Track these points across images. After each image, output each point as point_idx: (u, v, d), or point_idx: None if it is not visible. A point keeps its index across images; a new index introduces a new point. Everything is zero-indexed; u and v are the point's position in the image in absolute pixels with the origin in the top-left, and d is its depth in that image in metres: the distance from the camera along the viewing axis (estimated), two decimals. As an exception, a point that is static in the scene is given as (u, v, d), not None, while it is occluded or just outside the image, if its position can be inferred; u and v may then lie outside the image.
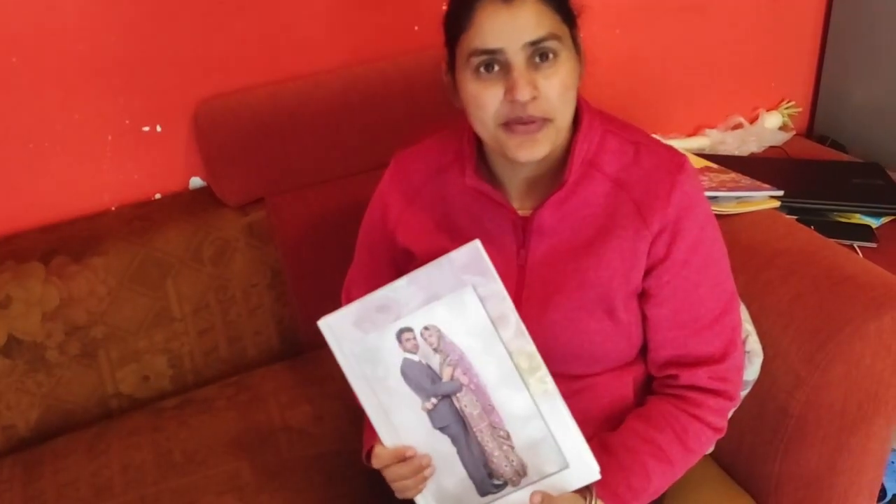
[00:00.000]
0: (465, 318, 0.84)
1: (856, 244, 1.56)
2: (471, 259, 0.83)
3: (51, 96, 1.34)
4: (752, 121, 2.02)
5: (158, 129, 1.43)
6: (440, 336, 0.84)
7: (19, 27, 1.27)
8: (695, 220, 0.94)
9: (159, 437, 1.27)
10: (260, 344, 1.44)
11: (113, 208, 1.45)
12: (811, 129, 2.14)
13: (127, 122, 1.40)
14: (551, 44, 0.85)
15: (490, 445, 0.88)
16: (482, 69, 0.86)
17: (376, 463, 0.90)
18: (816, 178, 1.76)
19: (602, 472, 0.89)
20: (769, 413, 1.13)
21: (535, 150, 0.88)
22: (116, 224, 1.38)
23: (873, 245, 1.56)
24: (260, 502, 1.15)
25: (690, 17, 1.84)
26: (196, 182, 1.50)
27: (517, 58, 0.84)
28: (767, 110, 2.04)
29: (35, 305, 1.29)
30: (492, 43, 0.84)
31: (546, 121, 0.87)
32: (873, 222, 1.62)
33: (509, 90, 0.84)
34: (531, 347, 0.85)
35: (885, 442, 1.15)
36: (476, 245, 0.83)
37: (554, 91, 0.86)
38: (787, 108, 2.05)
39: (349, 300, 1.03)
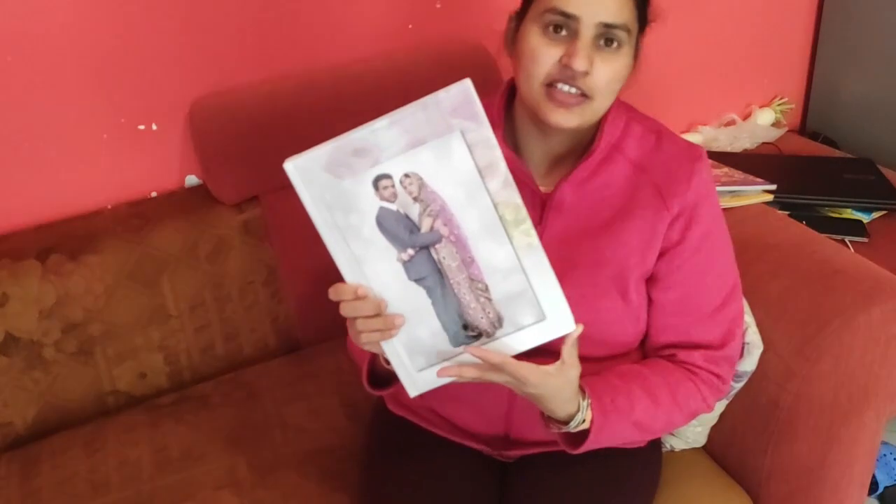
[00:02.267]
0: (450, 166, 0.77)
1: (847, 239, 1.57)
2: (461, 101, 0.74)
3: (46, 95, 1.34)
4: (745, 117, 2.03)
5: (154, 127, 1.44)
6: (421, 184, 0.78)
7: (13, 26, 1.28)
8: (709, 209, 0.98)
9: (156, 434, 1.28)
10: (256, 341, 1.45)
11: (109, 206, 1.45)
12: (803, 126, 2.16)
13: (122, 120, 1.41)
14: (621, 33, 0.88)
15: (467, 297, 0.84)
16: (551, 28, 0.89)
17: (333, 294, 0.83)
18: (808, 174, 1.78)
19: (591, 384, 0.92)
20: (760, 406, 1.14)
21: (568, 118, 0.91)
22: (112, 222, 1.39)
23: (864, 240, 1.57)
24: (256, 498, 1.15)
25: (683, 16, 1.85)
26: (191, 180, 1.51)
27: (588, 31, 0.87)
28: (760, 107, 2.05)
29: (32, 303, 1.29)
30: (572, 8, 0.87)
31: (586, 98, 0.90)
32: (864, 217, 1.64)
33: (568, 55, 0.87)
34: (518, 199, 0.80)
35: (876, 434, 1.16)
36: (466, 84, 0.74)
37: (605, 75, 0.89)
38: (779, 105, 2.07)
39: None
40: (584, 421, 0.91)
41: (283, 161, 1.50)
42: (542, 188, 0.99)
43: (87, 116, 1.38)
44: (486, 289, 0.84)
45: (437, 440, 1.09)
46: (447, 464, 1.07)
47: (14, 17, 1.27)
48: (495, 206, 0.80)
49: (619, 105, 0.99)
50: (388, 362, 0.88)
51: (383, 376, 0.98)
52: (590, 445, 0.93)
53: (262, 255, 1.43)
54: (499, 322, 0.86)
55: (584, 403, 0.91)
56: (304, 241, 1.44)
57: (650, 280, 1.00)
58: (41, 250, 1.32)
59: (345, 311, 0.83)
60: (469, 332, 0.86)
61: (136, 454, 1.24)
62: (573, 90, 0.89)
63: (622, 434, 0.97)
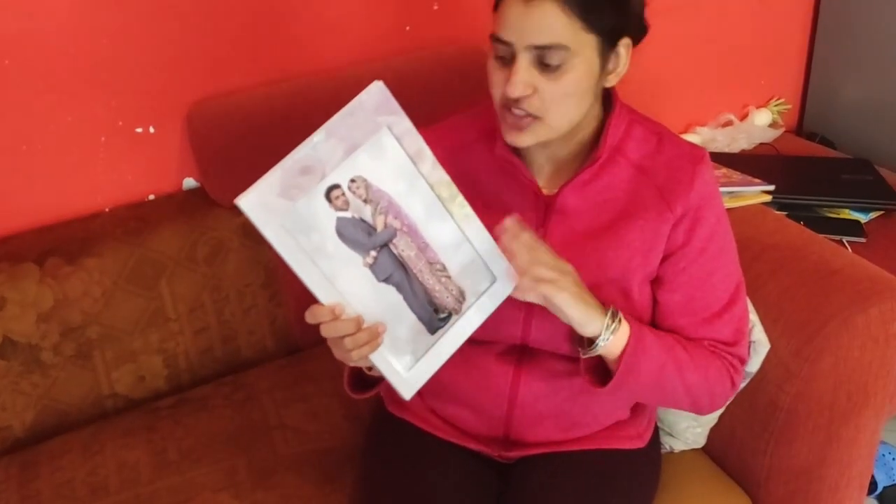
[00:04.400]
0: (386, 161, 0.83)
1: (845, 239, 1.57)
2: (380, 99, 0.81)
3: (43, 98, 1.34)
4: (743, 118, 2.04)
5: (152, 130, 1.44)
6: (367, 185, 0.82)
7: (11, 29, 1.28)
8: (713, 210, 0.98)
9: (154, 437, 1.28)
10: (254, 343, 1.45)
11: (107, 209, 1.45)
12: (801, 126, 2.16)
13: (120, 123, 1.41)
14: (555, 53, 0.87)
15: (430, 282, 0.88)
16: (498, 55, 0.90)
17: (310, 318, 0.84)
18: (806, 175, 1.78)
19: (634, 326, 0.93)
20: (759, 406, 1.14)
21: (520, 138, 0.92)
22: (110, 225, 1.39)
23: (862, 240, 1.58)
24: (255, 499, 1.15)
25: (681, 16, 1.85)
26: (189, 183, 1.51)
27: (522, 56, 0.87)
28: (757, 108, 2.06)
29: (30, 307, 1.29)
30: (505, 34, 0.88)
31: (534, 118, 0.90)
32: (862, 217, 1.64)
33: (507, 81, 0.88)
34: (446, 176, 0.86)
35: (874, 434, 1.16)
36: (379, 84, 0.81)
37: (550, 95, 0.89)
38: (776, 106, 2.07)
39: None
40: (619, 324, 0.91)
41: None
42: (545, 191, 1.00)
43: (84, 119, 1.38)
44: (444, 268, 0.89)
45: (436, 441, 1.09)
46: (447, 465, 1.06)
47: (12, 20, 1.27)
48: (431, 186, 0.86)
49: (622, 107, 1.00)
50: (369, 369, 0.90)
51: (366, 380, 1.00)
52: (622, 375, 0.92)
53: (261, 258, 1.43)
54: (461, 296, 0.91)
55: (615, 317, 0.92)
56: (303, 243, 1.45)
57: (655, 282, 1.00)
58: (39, 253, 1.32)
59: (326, 332, 0.84)
60: (440, 315, 0.90)
61: (135, 457, 1.24)
62: (520, 112, 0.90)
63: (651, 374, 0.94)
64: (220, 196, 1.43)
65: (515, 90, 0.87)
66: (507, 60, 0.89)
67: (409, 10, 1.57)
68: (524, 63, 0.87)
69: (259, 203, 0.78)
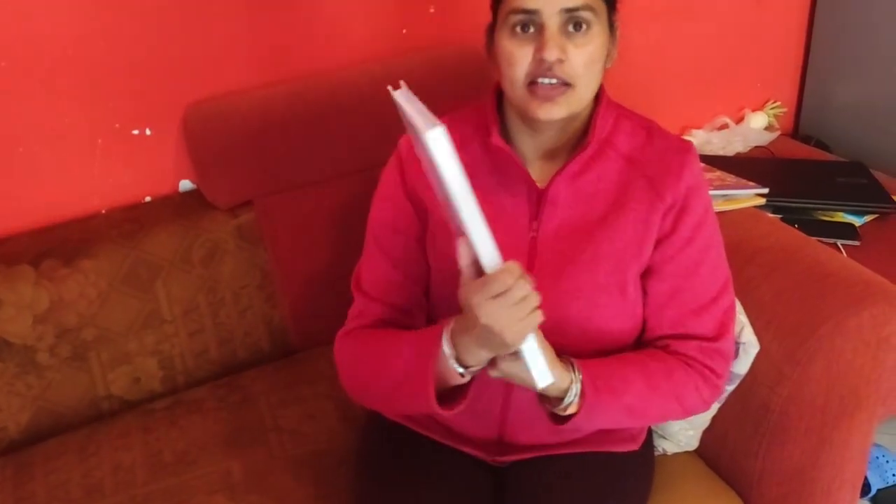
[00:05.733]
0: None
1: (839, 242, 1.58)
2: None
3: (40, 100, 1.34)
4: (738, 121, 2.04)
5: (148, 132, 1.44)
6: None
7: (7, 31, 1.28)
8: (700, 201, 0.99)
9: (150, 438, 1.28)
10: (250, 345, 1.45)
11: (103, 211, 1.45)
12: (796, 129, 2.17)
13: (116, 125, 1.41)
14: (585, 14, 0.89)
15: None
16: (518, 28, 0.90)
17: (498, 285, 0.78)
18: (801, 178, 1.78)
19: (585, 364, 0.93)
20: (752, 409, 1.14)
21: (554, 110, 0.91)
22: (106, 227, 1.39)
23: (857, 243, 1.58)
24: (250, 502, 1.15)
25: (676, 20, 1.86)
26: (186, 185, 1.51)
27: (551, 21, 0.89)
28: (753, 110, 2.06)
29: (25, 308, 1.29)
30: (530, 4, 0.89)
31: (567, 85, 0.91)
32: (857, 221, 1.64)
33: (538, 49, 0.89)
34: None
35: (867, 436, 1.17)
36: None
37: (580, 59, 0.90)
38: (772, 109, 2.08)
39: (360, 290, 1.05)
40: (576, 395, 0.91)
41: (276, 165, 1.48)
42: (538, 184, 1.00)
43: (81, 121, 1.38)
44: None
45: (431, 445, 1.09)
46: (441, 468, 1.07)
47: (8, 23, 1.27)
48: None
49: (609, 102, 1.01)
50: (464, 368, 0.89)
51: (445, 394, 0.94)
52: (578, 423, 0.93)
53: (257, 260, 1.43)
54: None
55: (577, 377, 0.92)
56: (299, 245, 1.46)
57: (645, 273, 1.01)
58: (35, 255, 1.32)
59: (514, 296, 0.79)
60: None
61: (130, 459, 1.24)
62: (553, 81, 0.90)
63: (614, 417, 0.97)
64: (217, 198, 1.43)
65: (553, 53, 0.88)
66: (532, 33, 0.90)
67: (405, 12, 1.58)
68: (553, 28, 0.89)
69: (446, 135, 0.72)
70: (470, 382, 0.93)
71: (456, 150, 0.74)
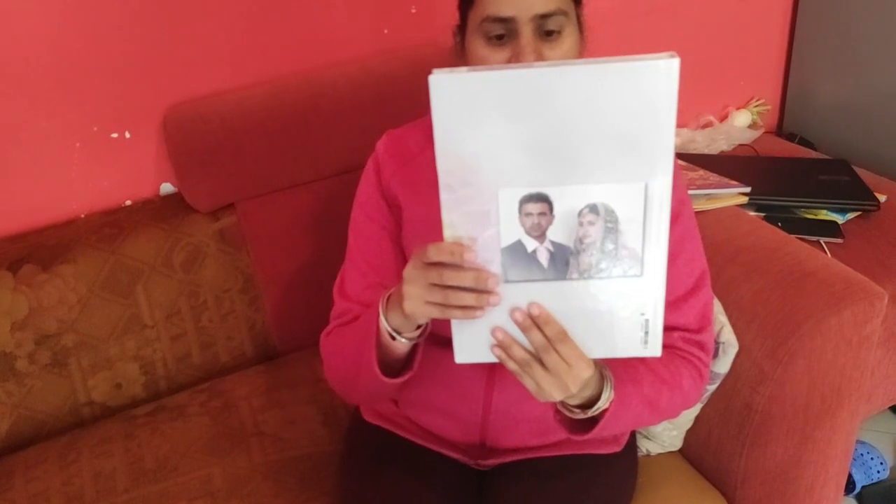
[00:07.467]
0: None
1: (822, 240, 1.58)
2: None
3: (17, 104, 1.33)
4: (722, 119, 2.05)
5: (127, 135, 1.43)
6: None
7: (-17, 35, 1.27)
8: (676, 194, 0.97)
9: (131, 444, 1.27)
10: (232, 349, 1.44)
11: (82, 216, 1.44)
12: (780, 127, 2.17)
13: (95, 128, 1.40)
14: (558, 18, 0.89)
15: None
16: (494, 37, 0.90)
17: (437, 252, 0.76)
18: (784, 175, 1.78)
19: (599, 362, 0.89)
20: (734, 408, 1.14)
21: None
22: (86, 231, 1.38)
23: (839, 241, 1.58)
24: (232, 508, 1.15)
25: (659, 19, 1.86)
26: (166, 188, 1.50)
27: (526, 28, 0.88)
28: (737, 108, 2.06)
29: (4, 315, 1.28)
30: (504, 11, 0.88)
31: None
32: (839, 218, 1.64)
33: (515, 56, 0.89)
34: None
35: (850, 434, 1.17)
36: None
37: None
38: (756, 107, 2.08)
39: (343, 296, 1.04)
40: (611, 389, 0.88)
41: (257, 168, 1.47)
42: None
43: (59, 125, 1.37)
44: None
45: (414, 449, 1.08)
46: (424, 472, 1.06)
47: (-18, 25, 1.26)
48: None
49: None
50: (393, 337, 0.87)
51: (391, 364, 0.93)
52: (607, 420, 0.89)
53: (238, 263, 1.43)
54: None
55: (608, 379, 0.88)
56: (280, 248, 1.45)
57: None
58: (13, 261, 1.30)
59: (440, 275, 0.77)
60: None
61: (111, 466, 1.23)
62: None
63: (636, 410, 0.94)
64: (198, 201, 1.42)
65: (530, 59, 0.88)
66: (505, 39, 0.90)
67: (387, 13, 1.57)
68: (528, 35, 0.89)
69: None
70: (415, 352, 0.92)
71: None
